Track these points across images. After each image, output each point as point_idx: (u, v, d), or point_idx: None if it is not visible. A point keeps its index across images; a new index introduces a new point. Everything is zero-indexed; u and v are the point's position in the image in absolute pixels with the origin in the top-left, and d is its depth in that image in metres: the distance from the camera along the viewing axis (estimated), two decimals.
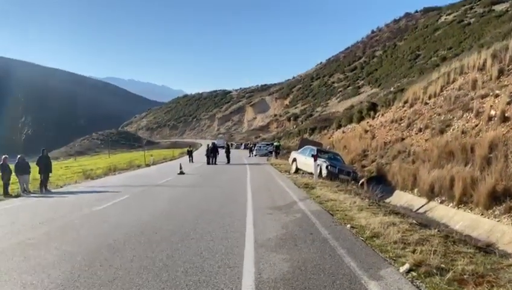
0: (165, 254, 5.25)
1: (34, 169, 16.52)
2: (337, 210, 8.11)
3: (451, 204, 10.36)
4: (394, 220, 6.64)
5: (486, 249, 5.43)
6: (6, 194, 14.90)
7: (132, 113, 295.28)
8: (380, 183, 15.51)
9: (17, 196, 14.83)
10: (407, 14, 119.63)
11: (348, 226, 6.53)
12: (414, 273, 4.10)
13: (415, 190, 12.64)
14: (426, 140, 15.64)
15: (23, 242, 6.41)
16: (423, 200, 11.77)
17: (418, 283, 3.87)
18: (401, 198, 13.21)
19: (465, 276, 3.92)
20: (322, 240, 5.71)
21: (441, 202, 10.87)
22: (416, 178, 12.78)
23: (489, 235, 8.11)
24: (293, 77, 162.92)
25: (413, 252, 4.78)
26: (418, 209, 11.51)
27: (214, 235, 6.26)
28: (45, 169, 16.39)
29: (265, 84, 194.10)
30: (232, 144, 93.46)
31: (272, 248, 5.36)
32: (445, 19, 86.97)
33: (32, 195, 15.08)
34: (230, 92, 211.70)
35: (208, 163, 29.61)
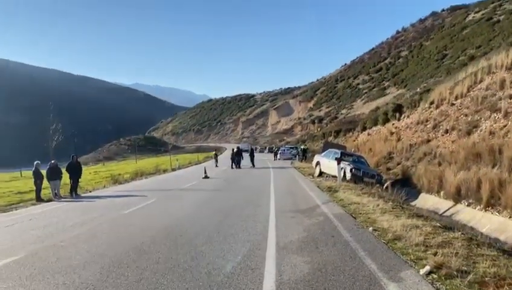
0: (189, 256, 5.41)
1: (65, 174, 17.14)
2: (360, 213, 8.11)
3: (478, 207, 10.15)
4: (417, 222, 6.61)
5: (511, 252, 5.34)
6: (39, 199, 15.51)
7: (158, 118, 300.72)
8: (406, 186, 15.33)
9: (48, 201, 15.42)
10: (434, 13, 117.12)
11: (370, 229, 6.54)
12: (434, 276, 4.11)
13: (441, 193, 12.42)
14: (453, 141, 15.37)
15: (55, 244, 6.72)
16: (449, 203, 11.56)
17: (438, 285, 3.88)
18: (426, 201, 13.01)
19: (486, 278, 3.90)
20: (343, 243, 5.75)
21: (468, 205, 10.66)
22: (442, 180, 12.56)
23: None
24: (317, 80, 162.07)
25: (435, 254, 4.77)
26: (444, 212, 11.32)
27: (236, 237, 6.39)
28: (75, 174, 16.97)
29: (288, 87, 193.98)
30: (256, 148, 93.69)
31: (293, 251, 5.45)
32: (473, 16, 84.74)
33: (63, 199, 15.65)
34: (254, 95, 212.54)
35: (232, 167, 29.86)
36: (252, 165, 30.80)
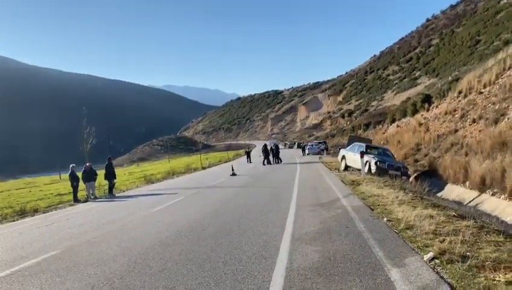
0: (209, 247, 5.80)
1: (101, 176, 18.06)
2: (378, 205, 8.26)
3: (502, 196, 10.05)
4: (432, 212, 6.72)
5: None
6: (76, 199, 16.45)
7: (189, 118, 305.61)
8: (432, 177, 15.23)
9: (85, 201, 16.33)
10: None
11: (385, 219, 6.71)
12: (437, 261, 4.29)
13: (467, 183, 12.31)
14: (480, 131, 15.10)
15: (89, 240, 7.31)
16: (474, 193, 11.47)
17: (438, 269, 4.06)
18: (452, 192, 12.91)
19: (486, 263, 4.05)
20: (356, 233, 5.98)
21: (493, 195, 10.56)
22: (468, 171, 12.43)
23: None
24: (346, 72, 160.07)
25: (442, 241, 4.92)
26: (469, 203, 11.24)
27: (255, 230, 6.73)
28: (110, 175, 17.84)
29: (317, 82, 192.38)
30: (285, 144, 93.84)
31: (307, 241, 5.73)
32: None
33: (98, 200, 16.52)
34: (282, 91, 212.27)
35: (264, 164, 30.18)
36: (277, 161, 30.90)
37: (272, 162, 30.62)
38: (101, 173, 18.46)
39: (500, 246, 4.66)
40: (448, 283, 3.67)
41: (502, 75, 17.74)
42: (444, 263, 4.23)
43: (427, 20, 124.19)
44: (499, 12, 77.38)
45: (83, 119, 22.76)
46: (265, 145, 32.55)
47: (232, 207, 9.92)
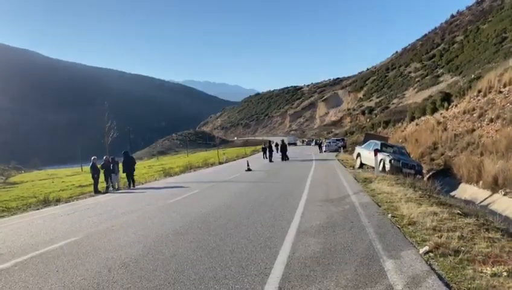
0: (218, 237, 6.14)
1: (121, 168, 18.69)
2: (386, 202, 8.45)
3: None
4: (436, 210, 6.89)
5: None
6: (96, 191, 17.08)
7: (208, 113, 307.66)
8: (447, 176, 15.23)
9: (105, 192, 16.94)
10: None
11: (389, 215, 6.92)
12: (431, 254, 4.51)
13: (480, 183, 12.31)
14: (496, 131, 15.00)
15: (108, 228, 7.76)
16: (487, 193, 11.49)
17: (431, 262, 4.29)
18: (465, 191, 12.93)
19: (477, 257, 4.25)
20: (360, 227, 6.22)
21: (505, 194, 10.58)
22: (481, 170, 12.43)
23: None
24: (367, 69, 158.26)
25: (440, 237, 5.13)
26: (481, 202, 11.27)
27: (263, 223, 7.04)
28: (129, 168, 18.41)
29: (337, 78, 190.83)
30: (303, 140, 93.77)
31: (311, 234, 6.00)
32: None
33: (117, 191, 17.11)
34: (301, 87, 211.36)
35: (283, 159, 30.52)
36: (282, 158, 31.16)
37: (272, 160, 30.84)
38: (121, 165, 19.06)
39: (495, 242, 4.84)
40: (438, 274, 3.90)
41: None
42: (438, 256, 4.44)
43: (452, 16, 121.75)
44: None
45: (104, 113, 23.40)
46: (269, 142, 33.30)
47: (244, 201, 10.26)
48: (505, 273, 3.72)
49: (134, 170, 19.02)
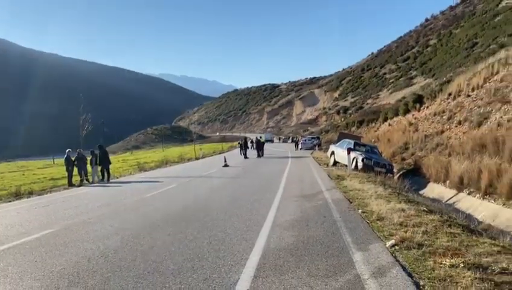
0: (196, 230, 6.32)
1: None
2: (357, 198, 8.81)
3: (477, 195, 10.65)
4: (404, 206, 7.26)
5: (480, 231, 5.95)
6: (70, 184, 16.89)
7: (185, 108, 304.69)
8: (416, 175, 15.83)
9: (79, 186, 16.77)
10: (464, 0, 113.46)
11: (360, 211, 7.26)
12: (397, 247, 4.83)
13: (447, 182, 12.90)
14: (464, 133, 15.70)
15: (85, 221, 7.80)
16: (453, 192, 12.07)
17: (396, 254, 4.60)
18: (433, 190, 13.51)
19: (438, 250, 4.60)
20: (331, 222, 6.51)
21: (469, 193, 11.16)
22: (448, 170, 13.02)
23: (508, 224, 8.46)
24: (343, 69, 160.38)
25: (406, 232, 5.46)
26: (447, 201, 11.84)
27: (240, 217, 7.26)
28: (105, 162, 18.25)
29: (314, 77, 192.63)
30: (280, 138, 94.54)
31: (285, 227, 6.26)
32: (507, 3, 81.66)
33: (92, 185, 16.96)
34: (279, 85, 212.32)
35: (258, 156, 30.95)
36: (257, 155, 31.73)
37: (247, 156, 31.26)
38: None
39: (456, 237, 5.21)
40: (401, 265, 4.21)
41: (489, 80, 18.33)
42: (402, 249, 4.76)
43: (426, 20, 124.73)
44: (496, 15, 78.05)
45: (79, 105, 23.01)
46: (245, 138, 33.86)
47: (221, 196, 10.44)
48: (461, 265, 4.05)
49: (110, 164, 18.88)
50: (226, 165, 21.96)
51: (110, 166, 19.13)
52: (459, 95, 20.68)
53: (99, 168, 18.18)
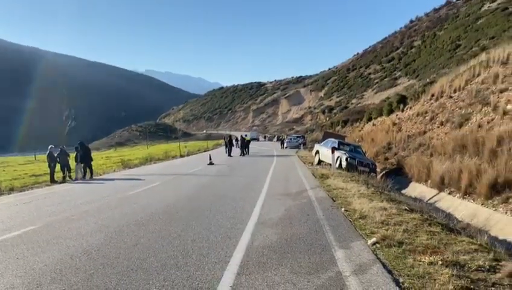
0: (180, 227, 6.32)
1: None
2: (340, 197, 8.92)
3: (457, 195, 10.88)
4: (386, 205, 7.40)
5: (459, 230, 6.11)
6: (53, 180, 16.64)
7: (170, 105, 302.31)
8: (399, 175, 16.07)
9: (62, 182, 16.54)
10: (448, 3, 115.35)
11: (343, 209, 7.36)
12: (378, 245, 4.93)
13: (428, 182, 13.14)
14: (446, 133, 15.98)
15: (67, 217, 7.73)
16: (434, 191, 12.29)
17: (377, 252, 4.70)
18: (415, 189, 13.74)
19: (418, 248, 4.71)
20: (315, 220, 6.59)
21: (449, 193, 11.39)
22: (430, 170, 13.25)
23: (486, 223, 8.68)
24: (329, 69, 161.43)
25: (387, 230, 5.57)
26: (428, 200, 12.05)
27: (224, 214, 7.29)
28: (87, 158, 18.02)
29: (300, 76, 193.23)
30: (265, 136, 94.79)
31: (269, 225, 6.31)
32: (489, 6, 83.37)
33: (75, 181, 16.75)
34: (265, 84, 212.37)
35: (243, 154, 31.10)
36: (241, 153, 31.81)
37: (231, 154, 31.36)
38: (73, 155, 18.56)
39: (435, 235, 5.34)
40: (382, 262, 4.30)
41: (471, 82, 18.70)
42: (383, 247, 4.87)
43: (411, 21, 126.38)
44: (479, 18, 79.53)
45: (62, 101, 22.64)
46: (230, 136, 33.99)
47: (206, 193, 10.45)
48: (440, 262, 4.17)
49: (91, 160, 18.64)
50: (211, 163, 21.91)
51: (92, 163, 18.90)
52: (442, 96, 21.04)
53: (82, 165, 17.95)
